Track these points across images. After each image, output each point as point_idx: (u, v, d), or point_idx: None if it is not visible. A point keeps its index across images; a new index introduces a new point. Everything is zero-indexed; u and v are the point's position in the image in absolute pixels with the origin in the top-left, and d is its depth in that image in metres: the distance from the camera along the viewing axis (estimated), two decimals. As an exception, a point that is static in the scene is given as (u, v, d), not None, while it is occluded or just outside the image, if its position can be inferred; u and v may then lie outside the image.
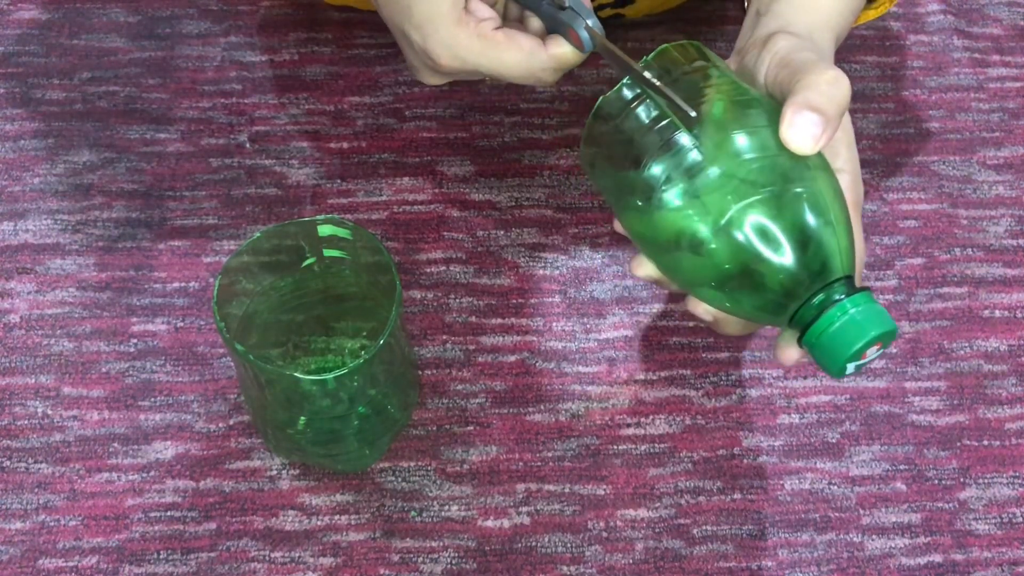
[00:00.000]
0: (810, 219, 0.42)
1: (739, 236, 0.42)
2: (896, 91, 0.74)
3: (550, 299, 0.65)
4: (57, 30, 0.74)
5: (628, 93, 0.45)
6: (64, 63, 0.72)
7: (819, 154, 0.45)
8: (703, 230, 0.43)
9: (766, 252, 0.42)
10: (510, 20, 0.54)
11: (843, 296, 0.42)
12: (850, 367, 0.43)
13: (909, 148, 0.72)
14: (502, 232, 0.67)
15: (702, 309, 0.47)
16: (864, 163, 0.71)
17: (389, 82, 0.72)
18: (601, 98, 0.46)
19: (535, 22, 0.53)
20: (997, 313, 0.66)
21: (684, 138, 0.43)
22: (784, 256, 0.42)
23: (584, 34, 0.49)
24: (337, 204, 0.67)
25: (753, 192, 0.42)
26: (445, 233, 0.67)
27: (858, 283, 0.46)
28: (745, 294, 0.43)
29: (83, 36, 0.73)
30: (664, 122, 0.44)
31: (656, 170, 0.43)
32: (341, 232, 0.52)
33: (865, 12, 0.63)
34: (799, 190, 0.42)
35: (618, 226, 0.49)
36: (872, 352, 0.43)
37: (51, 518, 0.57)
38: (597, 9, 0.71)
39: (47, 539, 0.57)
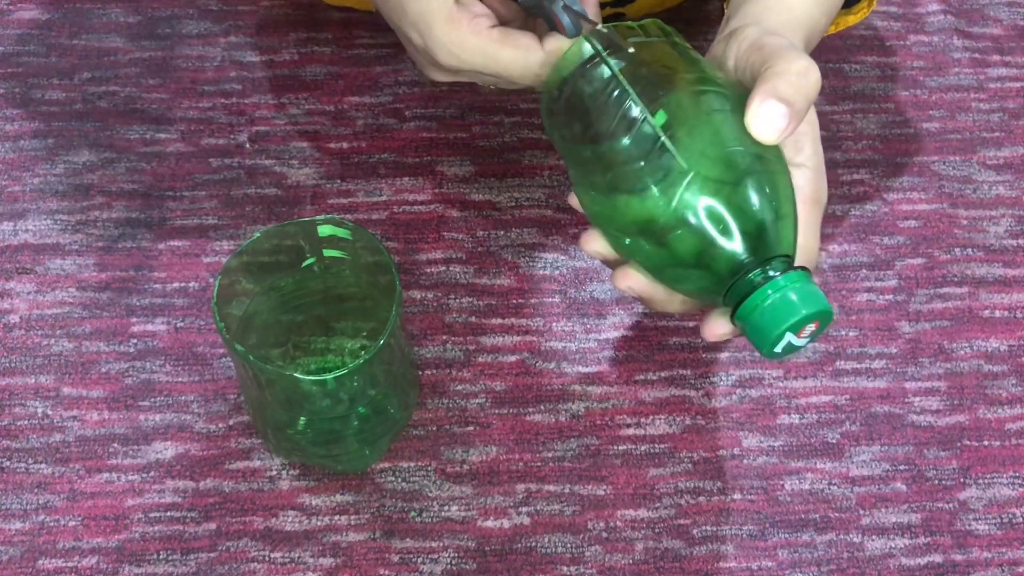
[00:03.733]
0: (759, 203, 0.42)
1: (690, 219, 0.42)
2: (896, 91, 0.74)
3: (550, 299, 0.65)
4: (57, 30, 0.74)
5: (582, 61, 0.45)
6: (64, 63, 0.72)
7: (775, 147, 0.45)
8: (654, 212, 0.42)
9: (714, 234, 0.42)
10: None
11: (779, 273, 0.42)
12: (780, 346, 0.42)
13: (909, 148, 0.72)
14: (502, 232, 0.67)
15: (626, 284, 0.46)
16: (864, 163, 0.71)
17: (389, 82, 0.72)
18: (557, 61, 0.46)
19: (542, 27, 0.53)
20: (997, 313, 0.66)
21: (642, 120, 0.43)
22: (730, 237, 0.42)
23: (564, 17, 0.48)
24: (337, 204, 0.67)
25: (703, 175, 0.42)
26: (445, 233, 0.67)
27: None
28: (688, 271, 0.43)
29: (83, 36, 0.73)
30: (622, 105, 0.43)
31: (610, 149, 0.43)
32: (341, 232, 0.52)
33: (844, 18, 0.63)
34: (749, 174, 0.42)
35: (573, 200, 0.48)
36: (806, 333, 0.42)
37: (51, 518, 0.57)
38: (597, 9, 0.71)
39: (47, 539, 0.57)
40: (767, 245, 0.42)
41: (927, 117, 0.73)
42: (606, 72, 0.45)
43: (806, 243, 0.46)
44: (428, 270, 0.65)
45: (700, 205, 0.41)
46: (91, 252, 0.65)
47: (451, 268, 0.65)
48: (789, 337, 0.42)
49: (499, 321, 0.64)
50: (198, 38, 0.74)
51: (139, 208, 0.67)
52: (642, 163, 0.42)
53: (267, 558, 0.57)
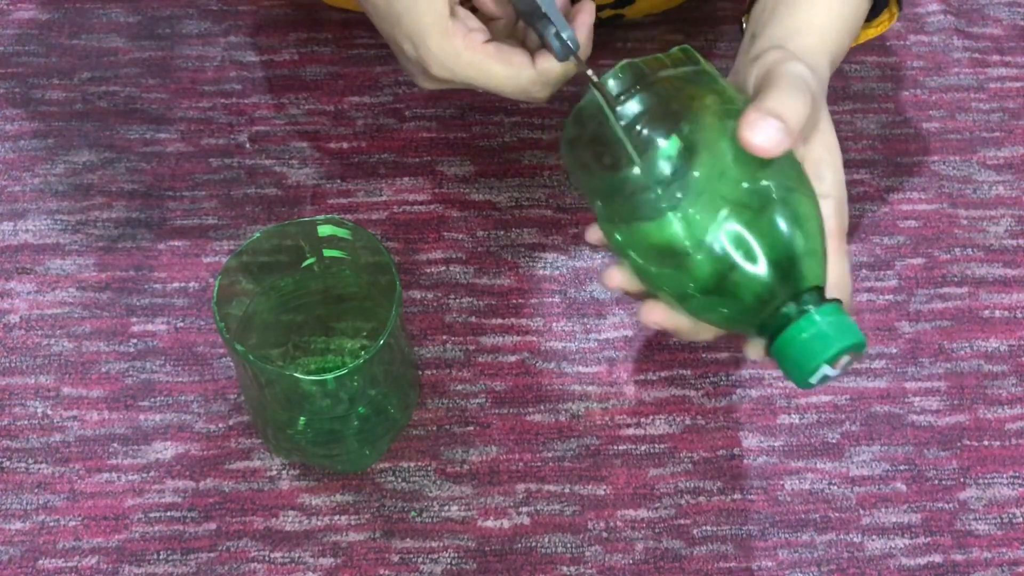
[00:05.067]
0: (786, 231, 0.42)
1: (716, 248, 0.42)
2: (896, 91, 0.74)
3: (550, 299, 0.65)
4: (57, 30, 0.74)
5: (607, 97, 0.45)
6: (64, 63, 0.72)
7: (800, 172, 0.44)
8: (682, 241, 0.42)
9: (744, 265, 0.42)
10: (518, 38, 0.54)
11: (812, 307, 0.42)
12: (816, 378, 0.42)
13: (909, 148, 0.72)
14: (502, 232, 0.67)
15: (653, 320, 0.46)
16: (864, 163, 0.71)
17: (389, 82, 0.72)
18: (583, 101, 0.45)
19: (534, 37, 0.53)
20: (997, 313, 0.66)
21: (670, 152, 0.43)
22: (759, 268, 0.42)
23: (555, 43, 0.49)
24: (337, 204, 0.67)
25: (733, 206, 0.42)
26: (445, 233, 0.67)
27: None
28: (717, 302, 0.43)
29: (83, 36, 0.73)
30: (649, 139, 0.43)
31: (638, 183, 0.43)
32: (341, 232, 0.52)
33: (864, 31, 0.63)
34: (779, 203, 0.42)
35: (591, 235, 0.48)
36: (841, 364, 0.42)
37: (51, 518, 0.57)
38: (597, 9, 0.70)
39: (47, 539, 0.57)
40: (799, 276, 0.42)
41: (927, 117, 0.73)
42: (630, 109, 0.44)
43: (838, 278, 0.45)
44: (428, 270, 0.65)
45: (730, 237, 0.41)
46: (91, 252, 0.65)
47: (451, 268, 0.65)
48: (825, 369, 0.42)
49: (499, 321, 0.64)
50: (198, 38, 0.74)
51: (139, 208, 0.67)
52: (672, 195, 0.42)
53: (267, 558, 0.57)
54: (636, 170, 0.43)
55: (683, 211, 0.42)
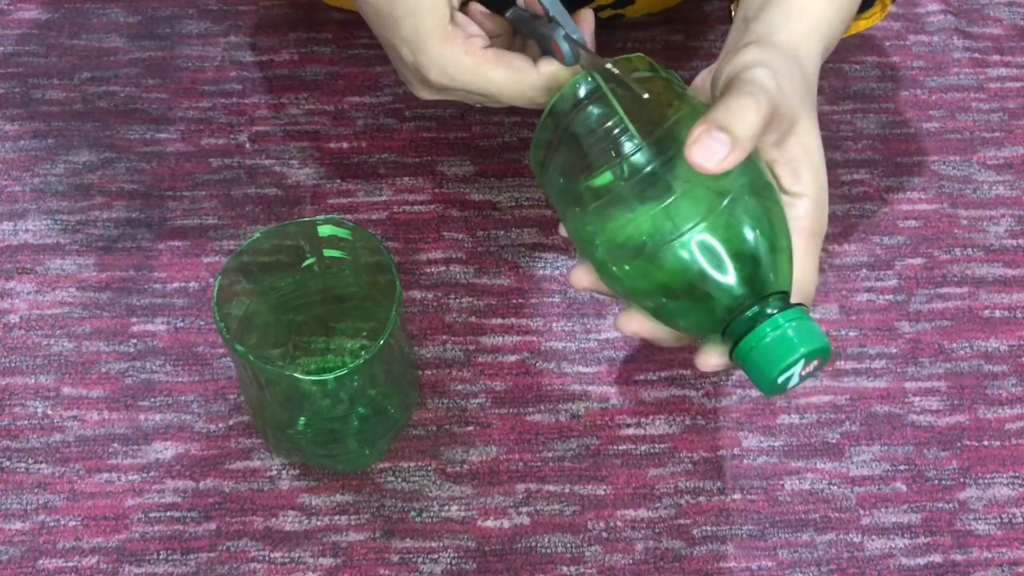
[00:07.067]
0: (751, 238, 0.42)
1: (682, 252, 0.42)
2: (896, 91, 0.74)
3: (550, 299, 0.65)
4: (57, 30, 0.74)
5: (582, 94, 0.45)
6: (64, 63, 0.72)
7: (766, 175, 0.44)
8: (647, 243, 0.42)
9: (709, 270, 0.42)
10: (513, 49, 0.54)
11: (776, 311, 0.42)
12: (780, 382, 0.42)
13: (909, 148, 0.72)
14: (502, 232, 0.67)
15: (630, 329, 0.46)
16: (864, 163, 0.71)
17: (389, 82, 0.72)
18: (555, 96, 0.45)
19: (534, 48, 0.53)
20: (997, 313, 0.66)
21: (639, 153, 0.43)
22: (724, 273, 0.42)
23: (564, 45, 0.48)
24: (337, 204, 0.67)
25: (702, 211, 0.42)
26: (445, 233, 0.67)
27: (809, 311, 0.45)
28: (683, 307, 0.43)
29: (83, 36, 0.73)
30: (619, 135, 0.43)
31: (608, 181, 0.43)
32: (341, 232, 0.52)
33: (855, 22, 0.63)
34: (745, 211, 0.42)
35: (564, 231, 0.48)
36: (807, 370, 0.42)
37: (51, 518, 0.57)
38: (597, 10, 0.71)
39: (47, 539, 0.57)
40: (763, 282, 0.42)
41: (927, 117, 0.73)
42: (607, 105, 0.44)
43: (803, 277, 0.45)
44: (428, 270, 0.65)
45: (696, 242, 0.41)
46: (91, 252, 0.65)
47: (451, 268, 0.65)
48: (789, 374, 0.42)
49: (499, 321, 0.64)
50: (198, 38, 0.74)
51: (139, 208, 0.67)
52: (640, 198, 0.42)
53: (267, 558, 0.57)
54: (612, 174, 0.43)
55: (650, 213, 0.42)
